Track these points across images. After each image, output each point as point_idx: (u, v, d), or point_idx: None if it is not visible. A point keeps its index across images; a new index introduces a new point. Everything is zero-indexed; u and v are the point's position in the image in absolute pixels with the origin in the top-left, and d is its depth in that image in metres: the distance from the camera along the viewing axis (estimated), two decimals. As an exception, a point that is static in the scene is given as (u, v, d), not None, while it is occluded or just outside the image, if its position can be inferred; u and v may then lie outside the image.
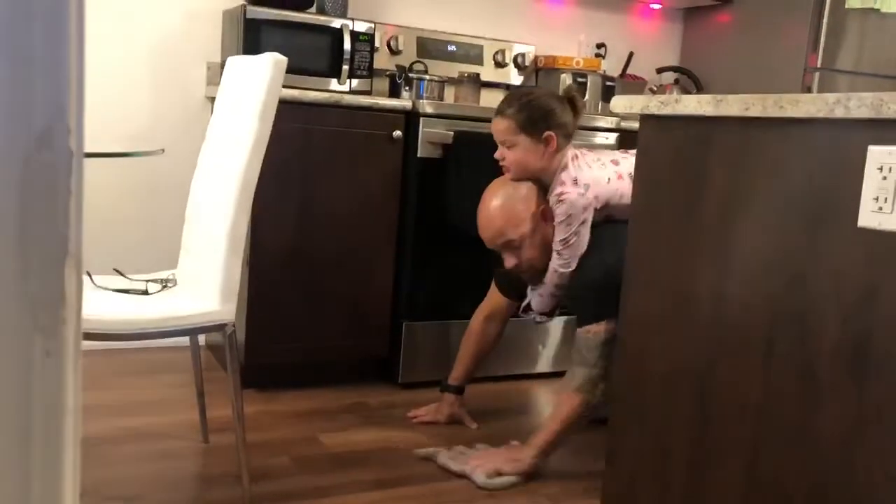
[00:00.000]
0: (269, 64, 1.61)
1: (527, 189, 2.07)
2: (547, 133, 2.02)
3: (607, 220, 2.07)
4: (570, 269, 2.03)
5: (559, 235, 2.02)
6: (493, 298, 2.35)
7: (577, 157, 2.07)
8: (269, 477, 1.90)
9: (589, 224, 2.02)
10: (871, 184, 1.11)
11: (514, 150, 2.05)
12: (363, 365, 2.65)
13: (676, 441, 1.43)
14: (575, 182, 2.01)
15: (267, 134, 1.63)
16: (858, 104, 1.11)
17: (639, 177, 1.55)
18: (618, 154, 2.15)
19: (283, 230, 2.42)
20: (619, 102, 1.56)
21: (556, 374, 2.80)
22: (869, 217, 1.11)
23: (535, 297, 2.14)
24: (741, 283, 1.31)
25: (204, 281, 1.66)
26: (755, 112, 1.27)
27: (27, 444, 0.34)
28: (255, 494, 1.79)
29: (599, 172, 2.05)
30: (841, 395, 1.15)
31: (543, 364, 2.84)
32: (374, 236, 2.54)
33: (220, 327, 1.62)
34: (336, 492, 1.86)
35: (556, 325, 2.78)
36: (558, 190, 2.02)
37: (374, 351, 2.61)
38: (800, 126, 1.21)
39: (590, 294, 1.96)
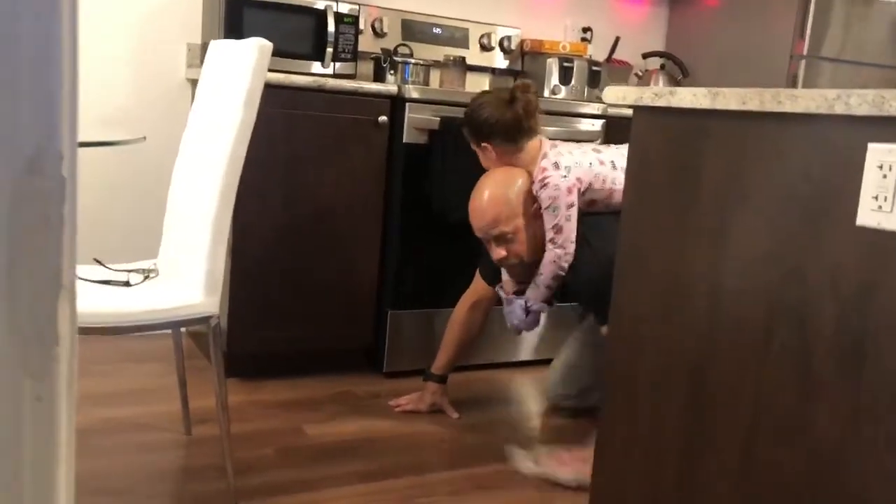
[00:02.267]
0: (255, 49, 1.57)
1: (522, 181, 2.05)
2: (483, 144, 2.11)
3: (590, 208, 2.06)
4: (567, 261, 2.00)
5: (549, 222, 2.00)
6: (478, 287, 2.33)
7: (555, 145, 2.09)
8: (254, 469, 1.88)
9: (576, 208, 2.01)
10: (870, 182, 1.10)
11: (480, 158, 2.15)
12: (348, 354, 2.62)
13: (668, 434, 1.43)
14: (556, 166, 2.02)
15: (252, 121, 1.59)
16: (859, 101, 1.09)
17: (631, 169, 1.53)
18: (598, 145, 2.16)
19: (267, 216, 2.37)
20: (612, 93, 1.54)
21: (538, 363, 2.80)
22: (868, 216, 1.10)
23: (531, 291, 2.10)
24: (737, 276, 1.30)
25: (187, 272, 1.62)
26: (752, 106, 1.25)
27: (18, 499, 0.31)
28: (240, 487, 1.77)
29: (580, 157, 2.06)
30: (836, 390, 1.15)
31: (526, 352, 2.83)
32: (359, 223, 2.50)
33: (205, 320, 1.59)
34: (322, 484, 1.84)
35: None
36: (540, 176, 2.02)
37: (358, 339, 2.58)
38: (798, 121, 1.20)
39: (603, 290, 1.93)
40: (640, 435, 1.49)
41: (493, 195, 2.04)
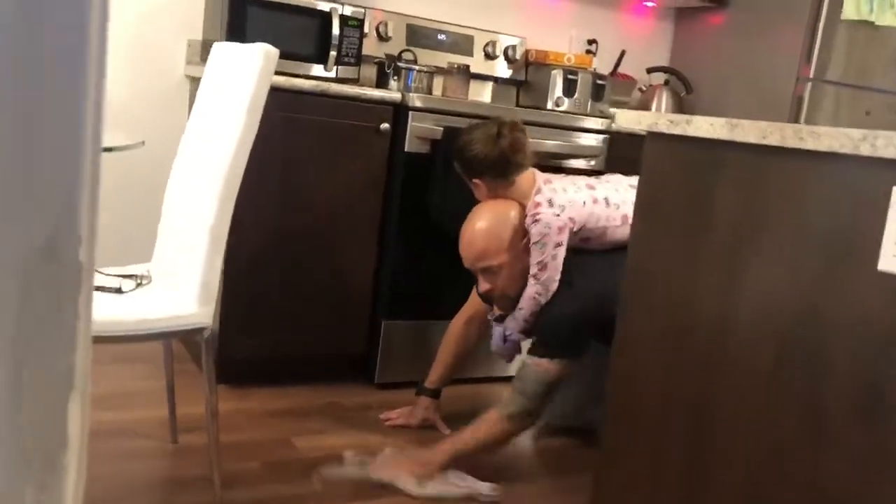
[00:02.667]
0: (260, 55, 1.52)
1: (515, 214, 2.01)
2: (473, 181, 2.08)
3: (582, 246, 2.04)
4: (545, 298, 1.97)
5: (535, 258, 1.97)
6: (474, 302, 2.30)
7: (549, 181, 2.05)
8: (241, 482, 1.83)
9: (564, 248, 1.98)
10: (893, 226, 1.07)
11: (476, 192, 2.12)
12: (338, 363, 2.58)
13: (668, 471, 1.39)
14: (550, 203, 1.98)
15: (255, 128, 1.55)
16: (886, 143, 1.06)
17: (642, 196, 1.50)
18: (591, 180, 2.10)
19: (261, 221, 2.32)
20: (625, 117, 1.50)
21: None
22: (890, 261, 1.07)
23: (510, 322, 2.08)
24: (748, 312, 1.26)
25: (181, 280, 1.57)
26: (773, 141, 1.22)
27: None
28: (226, 501, 1.72)
29: (575, 196, 2.02)
30: (848, 436, 1.12)
31: (513, 367, 2.78)
32: (356, 231, 2.46)
33: (199, 331, 1.54)
34: (310, 501, 1.80)
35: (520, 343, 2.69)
36: (533, 210, 1.99)
37: (350, 349, 2.54)
38: (820, 159, 1.17)
39: (558, 329, 1.92)
40: (638, 470, 1.46)
41: (483, 228, 2.01)
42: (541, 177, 2.06)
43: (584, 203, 2.01)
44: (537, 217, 1.97)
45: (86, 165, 0.26)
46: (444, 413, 2.32)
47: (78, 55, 0.24)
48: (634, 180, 2.08)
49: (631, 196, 2.06)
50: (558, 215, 1.96)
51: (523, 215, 2.01)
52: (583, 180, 2.09)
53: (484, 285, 2.05)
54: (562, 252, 1.97)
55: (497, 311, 2.14)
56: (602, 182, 2.10)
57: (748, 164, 1.28)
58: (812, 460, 1.16)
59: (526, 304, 2.00)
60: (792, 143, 1.18)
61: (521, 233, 2.00)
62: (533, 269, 1.97)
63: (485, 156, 2.03)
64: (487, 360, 2.68)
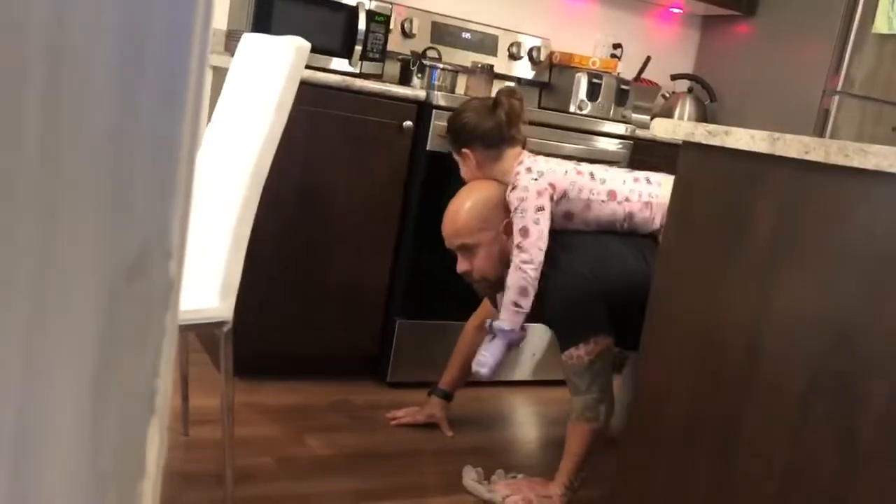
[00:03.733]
0: (291, 49, 1.50)
1: (497, 194, 1.98)
2: (462, 150, 2.06)
3: (567, 222, 1.98)
4: (533, 269, 1.87)
5: (517, 224, 1.91)
6: (486, 306, 2.28)
7: (534, 158, 2.03)
8: (252, 479, 1.81)
9: (548, 214, 1.91)
10: (940, 251, 1.04)
11: (460, 170, 2.11)
12: (351, 360, 2.56)
13: (690, 491, 1.37)
14: (528, 171, 1.95)
15: (282, 125, 1.52)
16: (937, 165, 1.04)
17: (674, 206, 1.47)
18: (583, 164, 2.07)
19: (279, 215, 2.30)
20: (662, 125, 1.47)
21: (537, 384, 2.74)
22: (936, 287, 1.04)
23: (502, 312, 1.94)
24: (780, 334, 1.24)
25: (202, 274, 1.55)
26: (816, 157, 1.19)
27: None
28: (236, 498, 1.71)
29: (556, 166, 1.99)
30: (881, 467, 1.09)
31: (524, 372, 2.76)
32: (373, 228, 2.44)
33: (219, 325, 1.53)
34: (319, 500, 1.78)
35: (540, 333, 2.67)
36: (513, 180, 1.96)
37: (363, 347, 2.52)
38: (865, 177, 1.14)
39: (563, 315, 1.86)
40: (656, 491, 1.43)
41: (463, 205, 1.98)
42: (527, 153, 2.04)
43: (567, 172, 1.97)
44: (516, 183, 1.93)
45: (181, 172, 0.24)
46: (457, 417, 2.29)
47: (181, 56, 0.22)
48: (652, 175, 2.05)
49: (622, 176, 2.02)
50: (535, 179, 1.92)
51: (506, 195, 1.97)
52: (572, 162, 2.06)
53: (462, 264, 2.00)
54: (544, 219, 1.89)
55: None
56: (595, 166, 2.06)
57: (788, 179, 1.25)
58: (840, 488, 1.13)
59: (512, 279, 1.88)
60: (836, 159, 1.15)
61: (504, 212, 1.96)
62: (516, 239, 1.90)
63: (476, 124, 2.02)
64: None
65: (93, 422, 0.24)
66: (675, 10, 3.45)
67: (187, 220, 0.26)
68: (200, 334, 2.60)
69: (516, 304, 1.89)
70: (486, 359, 1.93)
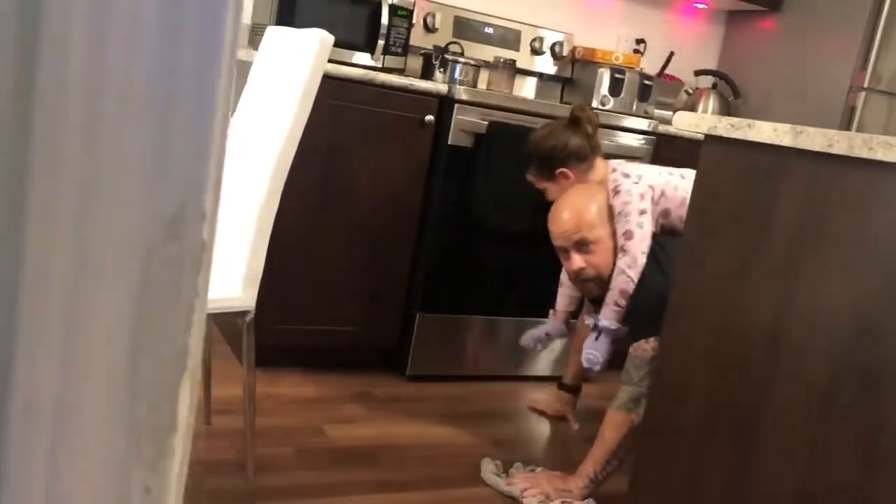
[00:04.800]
0: (315, 42, 1.51)
1: (603, 196, 2.02)
2: (558, 171, 2.09)
3: (665, 220, 2.02)
4: (635, 273, 1.91)
5: (621, 228, 1.95)
6: None
7: (622, 161, 2.10)
8: (273, 468, 1.83)
9: (650, 216, 1.95)
10: (966, 244, 1.03)
11: (549, 194, 2.13)
12: (371, 353, 2.58)
13: (710, 485, 1.37)
14: (626, 175, 2.01)
15: (305, 117, 1.54)
16: (963, 158, 1.03)
17: (696, 199, 1.47)
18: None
19: (301, 207, 2.32)
20: (684, 119, 1.47)
21: (556, 379, 2.74)
22: (961, 280, 1.03)
23: (604, 309, 1.97)
24: (803, 328, 1.23)
25: (226, 263, 1.57)
26: (839, 150, 1.18)
27: None
28: (257, 487, 1.73)
29: (646, 169, 2.05)
30: (903, 462, 1.08)
31: (543, 368, 2.76)
32: (394, 222, 2.45)
33: (241, 315, 1.54)
34: (341, 491, 1.79)
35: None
36: (612, 186, 2.00)
37: (383, 339, 2.53)
38: (890, 171, 1.13)
39: (646, 309, 1.86)
40: (675, 484, 1.43)
41: (576, 203, 2.00)
42: (608, 161, 2.12)
43: (660, 173, 2.04)
44: (618, 188, 1.98)
45: (216, 138, 0.25)
46: (479, 410, 2.30)
47: (215, 34, 0.23)
48: (685, 171, 2.07)
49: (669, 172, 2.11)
50: (636, 183, 1.98)
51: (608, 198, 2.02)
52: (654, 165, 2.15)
53: (577, 261, 1.98)
54: (647, 222, 1.94)
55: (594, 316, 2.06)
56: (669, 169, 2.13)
57: (812, 173, 1.24)
58: (863, 485, 1.13)
59: (616, 282, 1.93)
60: (860, 152, 1.15)
61: (611, 214, 2.00)
62: (620, 242, 1.95)
63: (566, 143, 2.08)
64: (508, 359, 2.66)
65: (129, 374, 0.25)
66: (699, 6, 3.43)
67: (220, 186, 0.27)
68: (222, 325, 2.63)
69: (617, 304, 1.95)
70: (595, 357, 1.99)
